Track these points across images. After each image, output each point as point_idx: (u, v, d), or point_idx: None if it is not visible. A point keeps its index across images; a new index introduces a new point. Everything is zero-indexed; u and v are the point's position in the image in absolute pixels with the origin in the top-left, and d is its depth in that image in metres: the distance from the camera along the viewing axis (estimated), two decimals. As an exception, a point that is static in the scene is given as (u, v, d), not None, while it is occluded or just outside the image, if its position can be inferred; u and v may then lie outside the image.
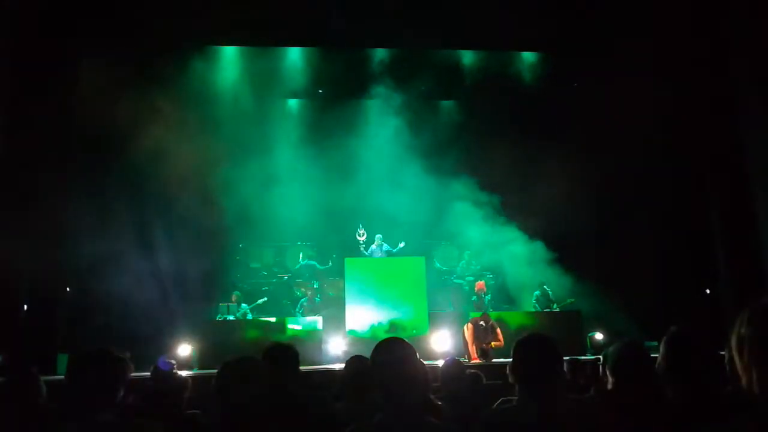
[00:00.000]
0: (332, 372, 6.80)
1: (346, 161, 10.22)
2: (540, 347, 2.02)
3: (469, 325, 8.19)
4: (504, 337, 8.12)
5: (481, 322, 8.14)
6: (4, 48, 8.08)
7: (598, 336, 8.99)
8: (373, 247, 10.16)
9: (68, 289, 9.02)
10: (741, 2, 8.59)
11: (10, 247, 7.67)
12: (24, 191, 8.02)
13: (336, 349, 8.56)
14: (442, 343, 8.45)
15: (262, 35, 10.20)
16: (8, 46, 8.11)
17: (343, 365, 3.00)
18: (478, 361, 7.74)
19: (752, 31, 8.34)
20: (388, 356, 1.87)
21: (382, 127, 10.58)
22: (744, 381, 1.21)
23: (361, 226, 10.18)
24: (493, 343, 8.01)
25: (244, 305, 9.45)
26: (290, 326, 8.77)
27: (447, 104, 11.94)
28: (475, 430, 2.00)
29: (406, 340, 1.95)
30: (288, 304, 10.42)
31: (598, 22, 9.62)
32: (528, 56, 11.35)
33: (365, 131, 10.59)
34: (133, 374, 2.08)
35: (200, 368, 7.75)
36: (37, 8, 8.39)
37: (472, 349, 8.01)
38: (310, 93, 11.43)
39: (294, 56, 10.97)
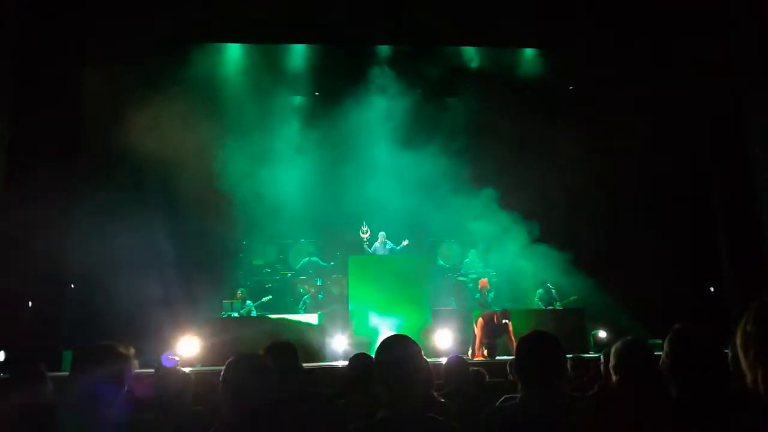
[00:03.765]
0: (335, 369, 6.82)
1: (349, 159, 10.22)
2: (543, 345, 2.02)
3: (480, 320, 7.98)
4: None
5: (495, 318, 7.85)
6: (8, 49, 8.10)
7: (602, 334, 8.98)
8: (377, 244, 10.15)
9: (72, 285, 9.06)
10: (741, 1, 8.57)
11: (15, 244, 7.71)
12: (28, 188, 8.05)
13: (339, 346, 8.56)
14: (445, 341, 8.44)
15: (262, 32, 10.22)
16: (11, 47, 8.14)
17: (346, 362, 3.00)
18: (480, 358, 7.73)
19: (754, 27, 8.30)
20: (392, 353, 1.87)
21: (385, 125, 10.58)
22: (749, 379, 1.21)
23: (364, 223, 10.17)
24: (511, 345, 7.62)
25: (248, 302, 9.48)
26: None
27: (452, 101, 11.92)
28: (478, 428, 2.00)
29: (410, 338, 1.95)
30: (291, 302, 10.44)
31: (597, 19, 9.60)
32: (530, 52, 11.35)
33: (368, 128, 10.58)
34: (137, 370, 2.09)
35: (204, 365, 7.78)
36: (39, 11, 8.42)
37: (478, 345, 7.92)
38: (312, 90, 11.44)
39: (297, 53, 10.98)
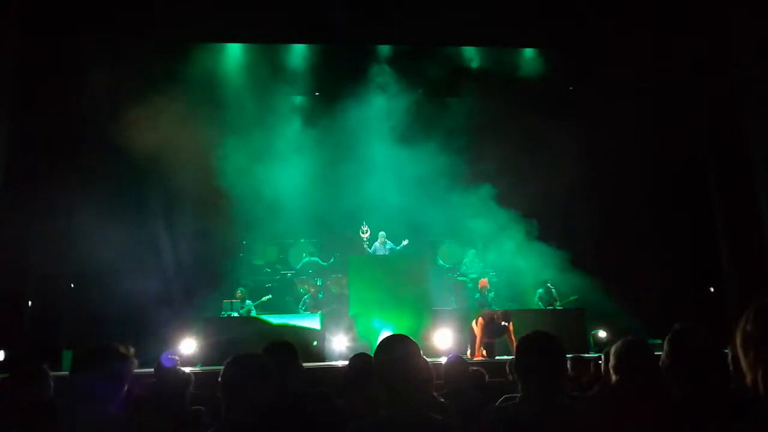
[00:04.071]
0: (335, 369, 6.82)
1: (349, 158, 10.22)
2: (543, 345, 2.02)
3: (480, 319, 7.93)
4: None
5: (494, 317, 7.81)
6: (10, 49, 8.11)
7: (602, 334, 8.98)
8: (377, 244, 10.15)
9: (72, 285, 9.06)
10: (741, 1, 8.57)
11: (16, 244, 7.71)
12: (29, 189, 8.05)
13: (339, 346, 8.55)
14: (445, 341, 8.43)
15: (262, 32, 10.23)
16: (13, 47, 8.14)
17: (346, 362, 3.00)
18: (480, 358, 7.72)
19: (754, 27, 8.30)
20: (391, 353, 1.87)
21: (385, 124, 10.58)
22: (749, 379, 1.21)
23: (364, 223, 10.16)
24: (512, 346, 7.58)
25: (248, 302, 9.47)
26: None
27: (452, 101, 11.92)
28: (478, 428, 2.00)
29: (409, 337, 1.94)
30: (291, 301, 10.44)
31: (597, 19, 9.61)
32: (530, 52, 11.36)
33: (368, 128, 10.58)
34: (136, 370, 2.09)
35: (204, 365, 7.77)
36: (39, 11, 8.42)
37: (478, 345, 7.91)
38: (312, 90, 11.44)
39: (297, 53, 11.00)
